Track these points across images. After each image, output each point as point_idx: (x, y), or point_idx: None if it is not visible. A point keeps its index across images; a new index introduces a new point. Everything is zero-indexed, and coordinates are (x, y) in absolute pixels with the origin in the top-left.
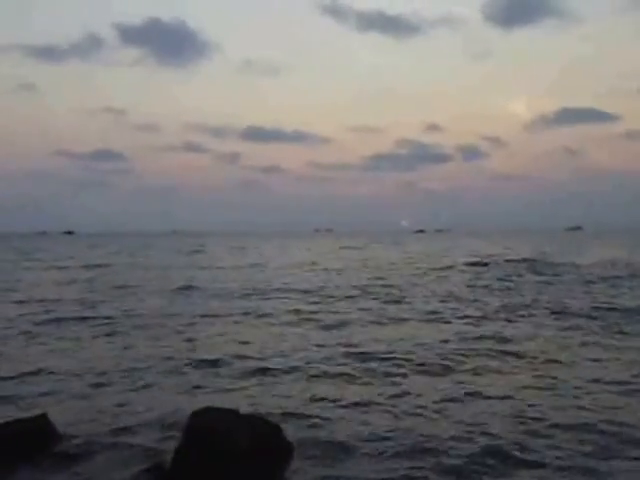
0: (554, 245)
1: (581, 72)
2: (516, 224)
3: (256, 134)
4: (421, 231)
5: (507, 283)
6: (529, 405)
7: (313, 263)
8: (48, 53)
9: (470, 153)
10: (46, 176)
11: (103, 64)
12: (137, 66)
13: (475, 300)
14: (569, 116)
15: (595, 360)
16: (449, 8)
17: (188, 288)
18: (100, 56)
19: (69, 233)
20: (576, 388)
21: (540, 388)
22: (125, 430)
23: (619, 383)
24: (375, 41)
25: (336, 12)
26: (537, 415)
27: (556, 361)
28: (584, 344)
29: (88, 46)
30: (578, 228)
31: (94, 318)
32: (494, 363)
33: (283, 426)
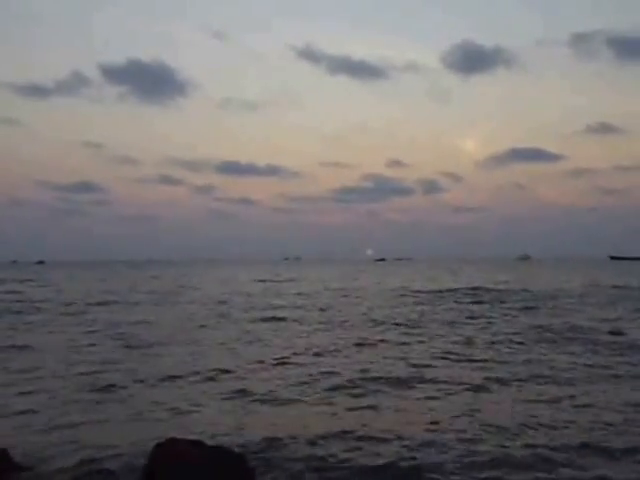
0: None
1: (529, 115)
2: (471, 253)
3: (231, 168)
4: (382, 259)
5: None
6: None
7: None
8: (33, 90)
9: (429, 187)
10: (23, 206)
11: (85, 101)
12: (119, 103)
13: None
14: (518, 155)
15: None
16: (412, 56)
17: None
18: (83, 93)
19: (40, 263)
20: None
21: None
22: (87, 462)
23: None
24: (345, 83)
25: (310, 56)
26: None
27: None
28: None
29: (72, 84)
30: (527, 257)
31: None
32: None
33: (248, 456)
